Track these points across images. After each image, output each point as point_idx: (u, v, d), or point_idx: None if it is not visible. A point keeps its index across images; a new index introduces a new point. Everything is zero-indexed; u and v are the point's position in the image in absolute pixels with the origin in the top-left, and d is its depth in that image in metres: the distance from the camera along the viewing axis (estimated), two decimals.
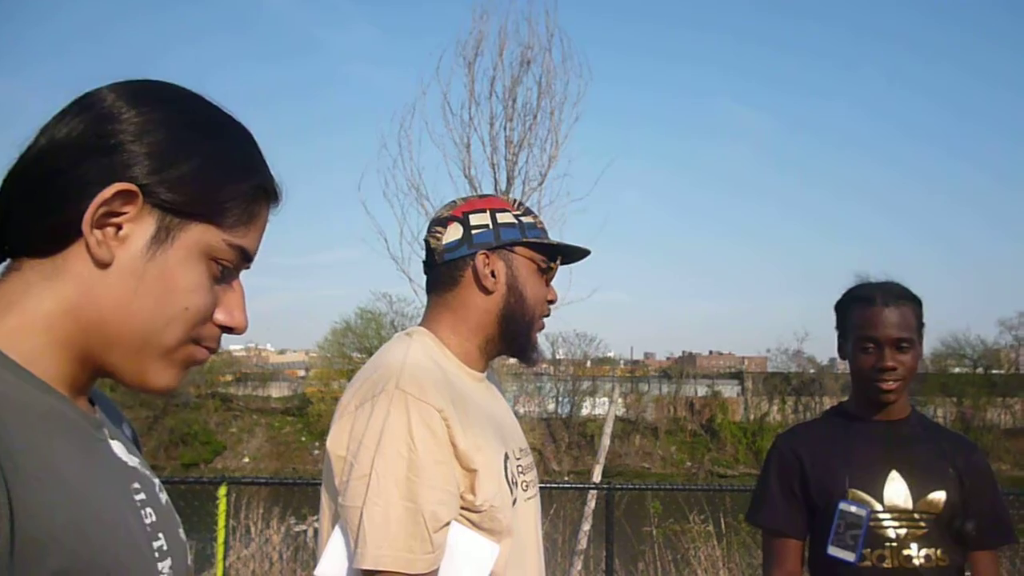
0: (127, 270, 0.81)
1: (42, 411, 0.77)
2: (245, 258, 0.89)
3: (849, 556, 2.01)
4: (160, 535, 0.86)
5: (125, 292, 0.81)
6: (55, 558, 0.70)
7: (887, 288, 2.14)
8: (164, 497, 0.92)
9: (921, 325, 2.13)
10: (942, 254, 70.48)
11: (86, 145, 0.80)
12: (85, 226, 0.78)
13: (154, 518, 0.86)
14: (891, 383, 2.08)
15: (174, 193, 0.81)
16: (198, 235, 0.83)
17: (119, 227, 0.80)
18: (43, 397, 0.78)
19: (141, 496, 0.86)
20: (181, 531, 0.93)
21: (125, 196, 0.80)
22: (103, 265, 0.80)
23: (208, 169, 0.84)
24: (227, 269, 0.87)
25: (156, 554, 0.84)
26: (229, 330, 0.89)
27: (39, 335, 0.80)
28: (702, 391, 39.35)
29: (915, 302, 2.14)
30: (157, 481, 0.93)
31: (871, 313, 2.10)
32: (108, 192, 0.78)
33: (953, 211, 71.46)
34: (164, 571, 0.85)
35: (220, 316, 0.88)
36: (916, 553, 2.01)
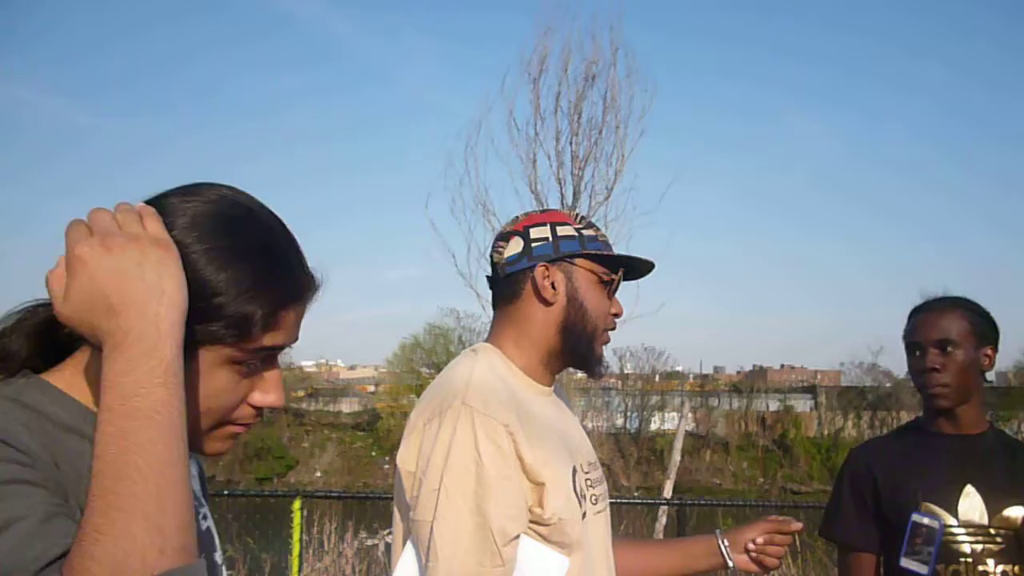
0: None
1: None
2: (273, 351, 0.97)
3: (922, 569, 1.98)
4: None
5: None
6: None
7: (938, 298, 2.17)
8: (206, 524, 1.06)
9: (978, 333, 2.10)
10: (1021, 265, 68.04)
11: None
12: None
13: None
14: (936, 387, 2.08)
15: (185, 331, 0.86)
16: (215, 353, 0.91)
17: None
18: None
19: None
20: (217, 555, 1.07)
21: None
22: None
23: (212, 310, 0.89)
24: (254, 364, 0.95)
25: None
26: (269, 407, 1.00)
27: None
28: (774, 406, 38.58)
29: (968, 309, 2.13)
30: (204, 510, 1.07)
31: (916, 320, 2.16)
32: None
33: None
34: None
35: (256, 398, 0.98)
36: (992, 569, 1.96)
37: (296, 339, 1.01)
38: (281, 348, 0.98)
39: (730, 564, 1.81)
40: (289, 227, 1.02)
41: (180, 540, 0.77)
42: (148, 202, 0.93)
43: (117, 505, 0.75)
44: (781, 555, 1.81)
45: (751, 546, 1.80)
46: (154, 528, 0.75)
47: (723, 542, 1.81)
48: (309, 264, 1.02)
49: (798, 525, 1.81)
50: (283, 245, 0.99)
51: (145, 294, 0.83)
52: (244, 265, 0.92)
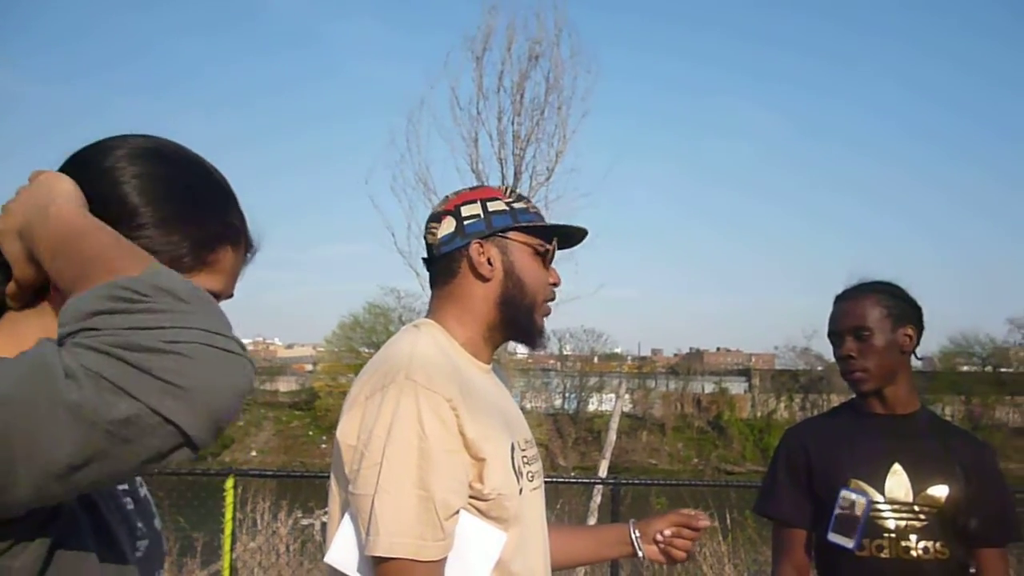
0: None
1: None
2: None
3: (848, 543, 2.04)
4: (138, 522, 1.02)
5: None
6: None
7: (854, 286, 2.22)
8: (143, 491, 1.09)
9: (894, 315, 2.14)
10: (951, 253, 70.32)
11: None
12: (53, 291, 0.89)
13: (132, 506, 1.03)
14: (855, 373, 2.14)
15: None
16: None
17: None
18: None
19: (123, 487, 1.03)
20: (156, 521, 1.08)
21: None
22: None
23: (140, 239, 0.90)
24: None
25: (136, 534, 1.01)
26: None
27: None
28: (709, 388, 39.30)
29: (882, 293, 2.17)
30: (139, 478, 1.09)
31: (833, 310, 2.22)
32: None
33: (961, 211, 71.36)
34: (140, 549, 1.00)
35: None
36: (914, 544, 2.02)
37: (231, 293, 1.00)
38: (215, 296, 0.95)
39: (639, 554, 1.83)
40: (227, 178, 1.01)
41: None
42: (90, 146, 0.96)
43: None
44: (689, 548, 1.83)
45: (659, 537, 1.82)
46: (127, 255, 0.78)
47: (635, 532, 1.83)
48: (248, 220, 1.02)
49: (706, 522, 1.83)
50: (216, 185, 1.00)
51: (43, 201, 0.85)
52: (178, 193, 0.94)
